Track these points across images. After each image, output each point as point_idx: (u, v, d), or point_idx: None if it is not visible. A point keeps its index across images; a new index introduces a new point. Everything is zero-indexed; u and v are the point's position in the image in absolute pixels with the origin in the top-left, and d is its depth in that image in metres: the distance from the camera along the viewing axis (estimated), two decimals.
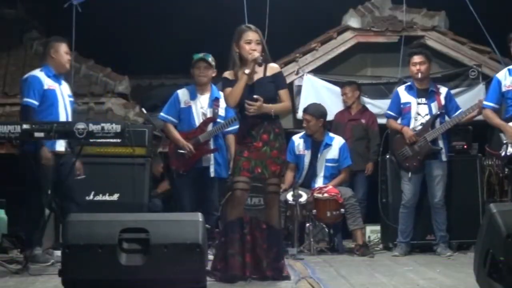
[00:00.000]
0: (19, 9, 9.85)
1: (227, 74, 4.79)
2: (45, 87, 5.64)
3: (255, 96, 4.60)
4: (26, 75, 5.78)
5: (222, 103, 6.07)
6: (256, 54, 4.66)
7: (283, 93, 4.79)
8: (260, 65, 4.71)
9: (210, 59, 6.12)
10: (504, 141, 5.76)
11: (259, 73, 4.75)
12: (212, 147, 6.15)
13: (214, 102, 6.14)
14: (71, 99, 5.95)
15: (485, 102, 6.02)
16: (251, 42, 4.70)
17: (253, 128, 4.67)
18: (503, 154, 5.78)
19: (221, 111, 6.14)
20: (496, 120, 5.89)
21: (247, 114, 4.64)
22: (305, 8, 9.33)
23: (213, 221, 6.09)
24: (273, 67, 4.82)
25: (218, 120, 6.12)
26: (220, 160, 6.16)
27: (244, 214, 4.68)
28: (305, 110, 6.91)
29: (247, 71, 4.65)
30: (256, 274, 4.61)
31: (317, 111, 6.82)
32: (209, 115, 6.12)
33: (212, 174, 6.11)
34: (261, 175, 4.68)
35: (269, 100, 4.68)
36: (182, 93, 6.19)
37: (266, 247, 4.64)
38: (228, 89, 4.71)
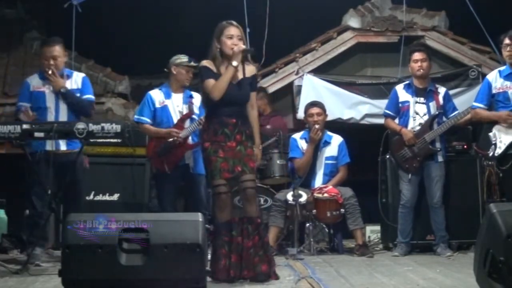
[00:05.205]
0: (19, 9, 9.86)
1: (208, 63, 4.71)
2: (31, 89, 5.72)
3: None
4: None
5: (196, 101, 6.07)
6: (243, 46, 4.66)
7: (254, 95, 4.85)
8: (250, 57, 4.72)
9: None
10: (493, 141, 5.78)
11: (239, 73, 4.73)
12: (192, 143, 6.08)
13: (188, 99, 6.12)
14: None
15: (474, 103, 6.06)
16: (232, 37, 4.68)
17: (227, 126, 4.66)
18: (491, 154, 5.80)
19: (195, 109, 6.10)
20: (486, 112, 5.93)
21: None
22: (305, 8, 9.33)
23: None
24: (251, 69, 4.81)
25: (194, 116, 6.08)
26: (197, 156, 6.07)
27: (232, 216, 4.66)
28: (316, 104, 6.91)
29: (235, 63, 4.62)
30: (249, 273, 4.56)
31: (323, 106, 6.89)
32: (185, 111, 6.09)
33: (191, 170, 6.05)
34: (242, 173, 4.66)
35: (246, 102, 4.74)
36: (155, 94, 6.11)
37: (261, 243, 4.60)
38: (211, 81, 4.65)
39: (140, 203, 6.35)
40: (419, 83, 6.37)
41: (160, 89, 6.17)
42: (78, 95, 5.73)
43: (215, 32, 4.74)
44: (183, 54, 6.13)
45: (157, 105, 6.08)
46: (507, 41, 5.87)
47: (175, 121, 6.05)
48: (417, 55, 6.34)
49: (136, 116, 6.24)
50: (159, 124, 6.07)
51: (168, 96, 6.10)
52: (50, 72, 5.62)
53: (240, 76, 4.73)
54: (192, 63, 6.01)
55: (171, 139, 5.95)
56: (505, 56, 5.96)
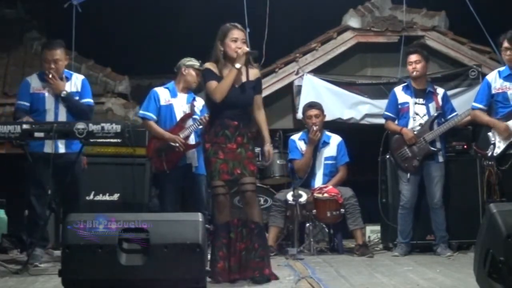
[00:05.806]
0: (19, 9, 9.86)
1: (210, 66, 4.71)
2: (31, 91, 5.67)
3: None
4: None
5: (198, 104, 6.10)
6: (247, 48, 4.65)
7: (259, 98, 4.83)
8: (255, 60, 4.73)
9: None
10: (492, 141, 5.79)
11: (243, 76, 4.71)
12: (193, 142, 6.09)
13: (191, 100, 6.14)
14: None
15: (473, 104, 6.08)
16: (237, 40, 4.66)
17: (228, 128, 4.65)
18: (489, 154, 5.81)
19: (197, 111, 6.10)
20: (485, 117, 5.96)
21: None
22: (305, 8, 9.34)
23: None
24: (255, 72, 4.79)
25: (195, 116, 6.09)
26: (200, 156, 6.04)
27: (231, 218, 4.64)
28: (314, 106, 6.91)
29: (238, 65, 4.61)
30: (240, 275, 4.56)
31: (321, 107, 6.89)
32: (187, 111, 6.10)
33: (193, 170, 6.04)
34: (241, 176, 4.63)
35: (249, 105, 4.73)
36: (161, 91, 6.12)
37: (252, 247, 4.58)
38: (214, 83, 4.64)
39: (140, 203, 6.35)
40: (416, 85, 6.38)
41: (166, 87, 6.18)
42: (77, 98, 5.71)
43: (218, 34, 4.72)
44: (193, 58, 6.14)
45: (162, 103, 6.08)
46: (506, 44, 5.85)
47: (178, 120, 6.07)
48: (411, 57, 6.38)
49: (141, 112, 6.20)
50: (162, 122, 6.07)
51: (174, 95, 6.12)
52: (50, 76, 5.60)
53: (243, 79, 4.70)
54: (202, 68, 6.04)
55: (174, 144, 5.94)
56: (505, 60, 5.97)
